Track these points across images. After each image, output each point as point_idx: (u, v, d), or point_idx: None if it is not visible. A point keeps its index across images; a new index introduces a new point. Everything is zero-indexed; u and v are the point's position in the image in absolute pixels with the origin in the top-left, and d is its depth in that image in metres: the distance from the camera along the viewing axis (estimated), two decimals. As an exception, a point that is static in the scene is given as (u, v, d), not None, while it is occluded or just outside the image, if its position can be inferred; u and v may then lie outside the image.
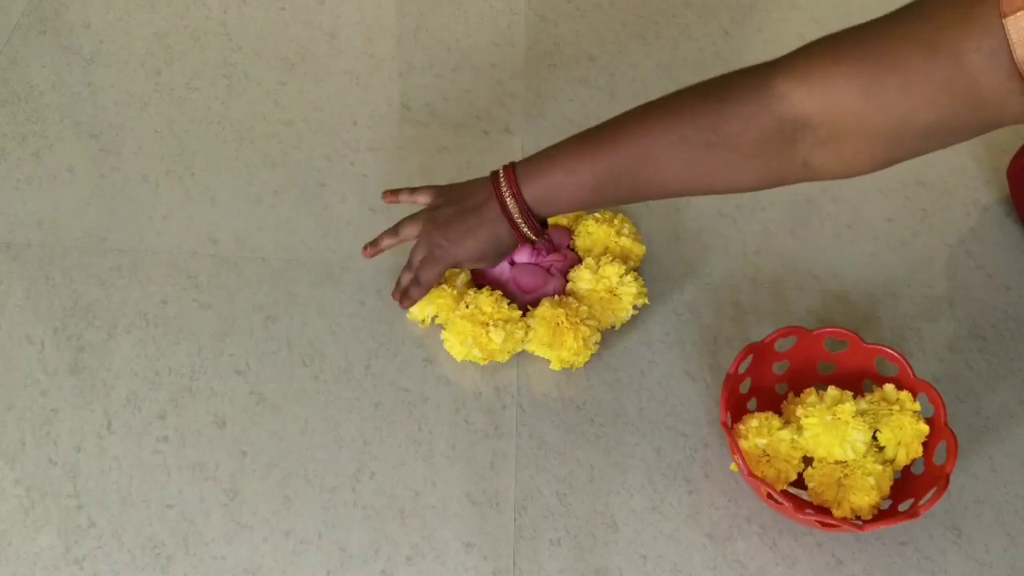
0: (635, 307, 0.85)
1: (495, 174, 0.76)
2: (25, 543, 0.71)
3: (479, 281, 0.87)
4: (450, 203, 0.79)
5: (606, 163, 0.70)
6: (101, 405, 0.78)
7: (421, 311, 0.83)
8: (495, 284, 0.86)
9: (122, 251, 0.89)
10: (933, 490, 0.70)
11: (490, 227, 0.76)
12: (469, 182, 0.80)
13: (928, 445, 0.74)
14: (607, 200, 0.73)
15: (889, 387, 0.76)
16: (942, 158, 1.02)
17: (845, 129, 0.60)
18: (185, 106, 1.03)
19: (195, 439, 0.77)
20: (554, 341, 0.80)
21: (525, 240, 0.77)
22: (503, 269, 0.86)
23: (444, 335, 0.82)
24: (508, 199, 0.74)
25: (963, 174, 1.01)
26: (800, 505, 0.73)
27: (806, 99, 0.60)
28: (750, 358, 0.76)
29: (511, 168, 0.75)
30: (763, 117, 0.62)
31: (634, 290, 0.84)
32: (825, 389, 0.76)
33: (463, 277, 0.85)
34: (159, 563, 0.70)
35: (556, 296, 0.84)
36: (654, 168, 0.68)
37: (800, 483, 0.75)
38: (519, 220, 0.75)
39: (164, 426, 0.77)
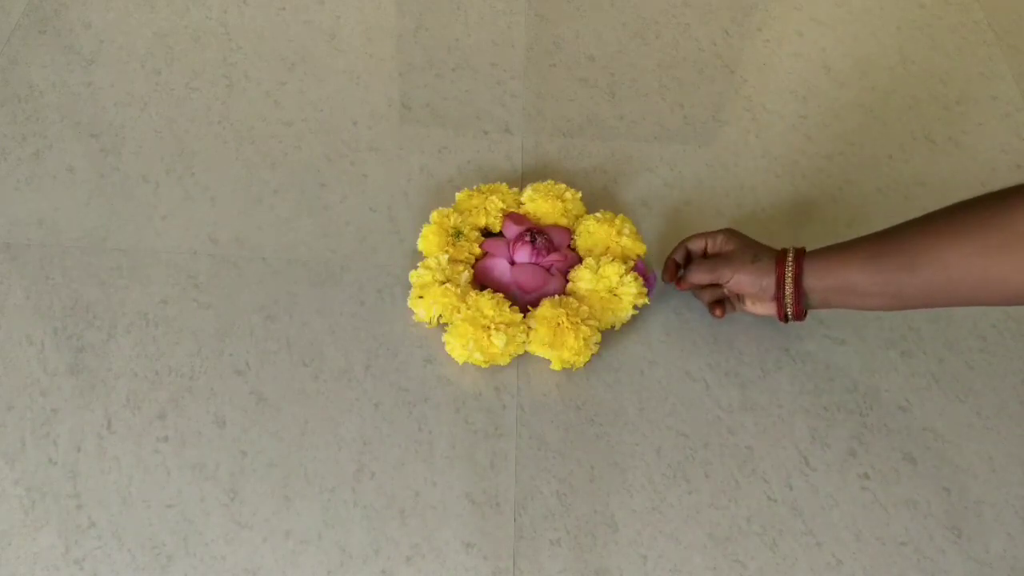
0: (635, 307, 0.85)
1: (784, 251, 0.78)
2: (25, 543, 0.71)
3: (481, 282, 0.87)
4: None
5: (899, 278, 0.70)
6: (101, 405, 0.78)
7: (427, 311, 0.83)
8: (496, 285, 0.86)
9: (122, 251, 0.89)
10: None
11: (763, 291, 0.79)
12: (760, 245, 0.81)
13: None
14: (886, 307, 0.75)
15: None
16: (941, 157, 1.02)
17: None
18: (185, 106, 1.03)
19: (195, 439, 0.77)
20: (555, 341, 0.80)
21: (782, 316, 0.79)
22: (504, 270, 0.86)
23: (445, 337, 0.82)
24: (788, 279, 0.77)
25: (964, 174, 1.01)
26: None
27: None
28: None
29: (801, 253, 0.77)
30: None
31: (634, 290, 0.84)
32: None
33: (466, 275, 0.85)
34: (159, 563, 0.70)
35: (556, 296, 0.84)
36: (950, 283, 0.68)
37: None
38: (788, 301, 0.78)
39: (164, 426, 0.77)
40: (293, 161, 0.98)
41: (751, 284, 0.79)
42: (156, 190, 0.95)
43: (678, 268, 0.86)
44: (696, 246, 0.85)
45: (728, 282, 0.80)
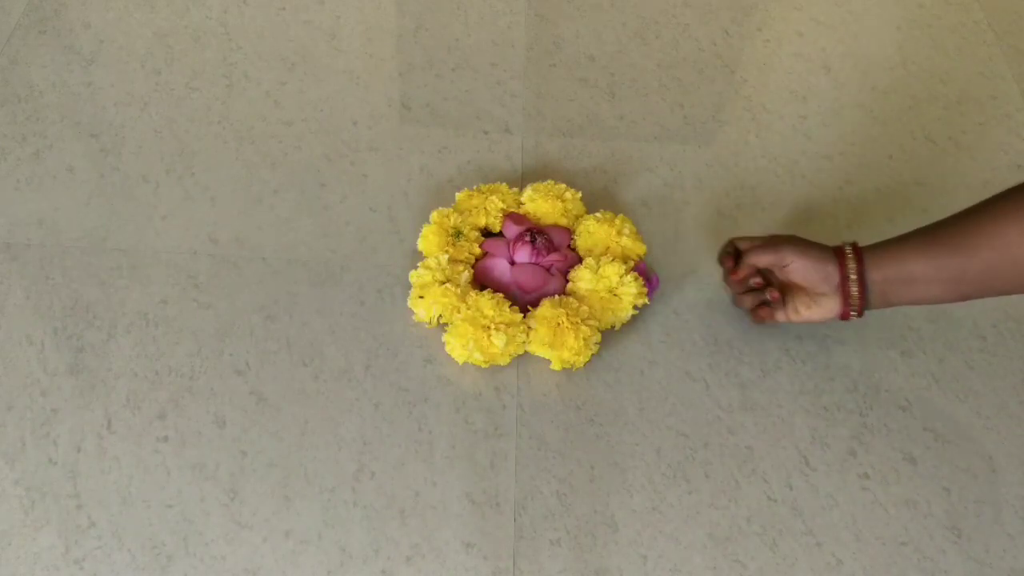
0: (635, 307, 0.85)
1: (840, 245, 0.76)
2: (25, 543, 0.71)
3: (480, 282, 0.87)
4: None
5: (958, 262, 0.70)
6: (101, 405, 0.78)
7: (427, 311, 0.83)
8: (496, 285, 0.86)
9: (122, 251, 0.89)
10: None
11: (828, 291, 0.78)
12: (814, 243, 0.79)
13: None
14: (946, 296, 0.73)
15: None
16: (941, 157, 1.02)
17: None
18: (185, 106, 1.03)
19: (195, 439, 0.77)
20: (555, 341, 0.80)
21: (846, 314, 0.78)
22: (504, 270, 0.86)
23: (445, 337, 0.82)
24: (851, 268, 0.75)
25: (964, 174, 1.01)
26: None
27: None
28: None
29: (858, 248, 0.76)
30: None
31: (634, 290, 0.84)
32: None
33: (466, 275, 0.85)
34: (159, 563, 0.70)
35: (556, 296, 0.84)
36: (1012, 264, 0.67)
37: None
38: (854, 291, 0.76)
39: (164, 426, 0.77)
40: (293, 161, 0.98)
41: (816, 270, 0.76)
42: (156, 190, 0.95)
43: (736, 254, 0.82)
44: (760, 261, 0.80)
45: (788, 266, 0.77)
